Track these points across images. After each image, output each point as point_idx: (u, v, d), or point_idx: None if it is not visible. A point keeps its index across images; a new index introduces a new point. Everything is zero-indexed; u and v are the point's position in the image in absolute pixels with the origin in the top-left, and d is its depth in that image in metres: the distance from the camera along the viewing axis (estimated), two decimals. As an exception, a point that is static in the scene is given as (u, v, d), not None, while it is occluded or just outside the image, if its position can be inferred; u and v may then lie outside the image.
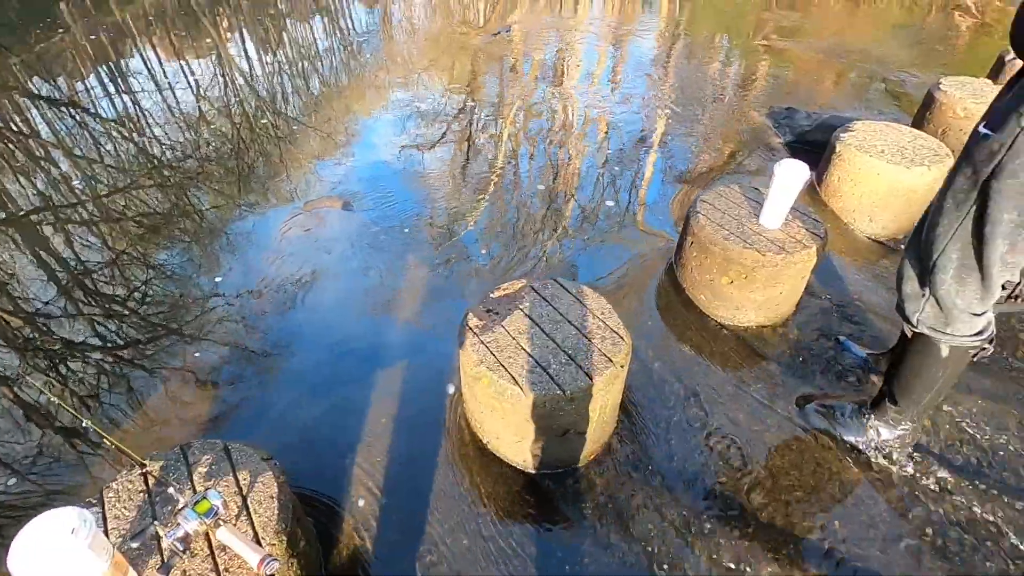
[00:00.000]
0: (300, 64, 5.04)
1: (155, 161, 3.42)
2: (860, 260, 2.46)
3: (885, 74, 4.35)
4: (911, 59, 4.65)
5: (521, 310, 1.65)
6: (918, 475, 1.68)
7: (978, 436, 1.78)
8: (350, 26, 5.99)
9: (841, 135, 2.57)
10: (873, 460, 1.71)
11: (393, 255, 2.57)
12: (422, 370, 2.00)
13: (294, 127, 3.80)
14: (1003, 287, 1.63)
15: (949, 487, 1.65)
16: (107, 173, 3.31)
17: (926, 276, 1.39)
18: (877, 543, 1.53)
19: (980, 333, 1.42)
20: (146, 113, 4.01)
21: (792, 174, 1.85)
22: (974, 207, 1.25)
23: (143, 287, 2.45)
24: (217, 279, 2.45)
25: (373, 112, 3.96)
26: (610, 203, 2.90)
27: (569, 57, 4.83)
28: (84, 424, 1.10)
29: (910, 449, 1.73)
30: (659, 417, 1.84)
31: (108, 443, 1.10)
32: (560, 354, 1.53)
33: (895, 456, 1.72)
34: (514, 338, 1.57)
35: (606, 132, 3.63)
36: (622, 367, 1.53)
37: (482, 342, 1.56)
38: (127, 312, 2.33)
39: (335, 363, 2.06)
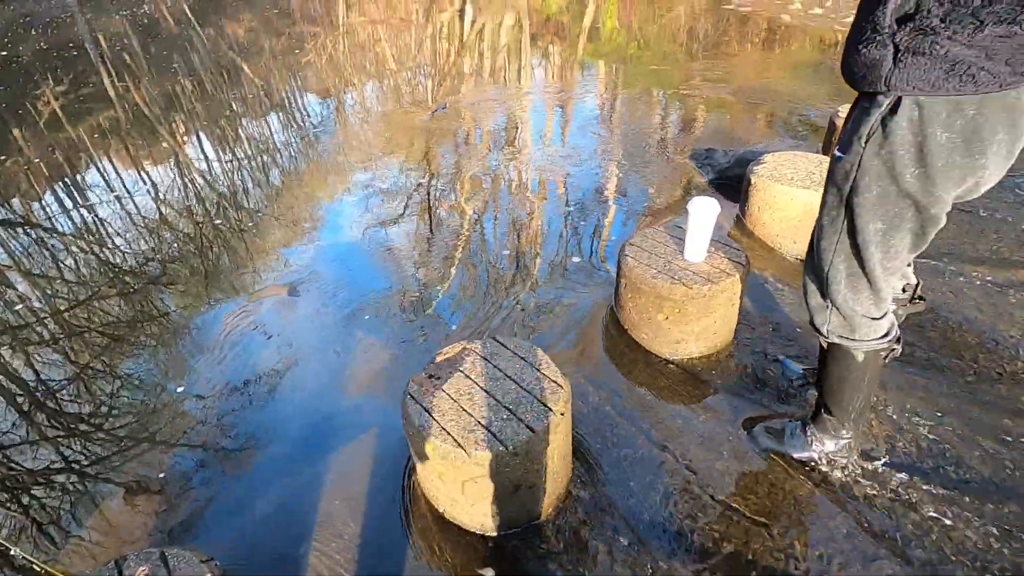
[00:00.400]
0: (259, 158, 5.12)
1: (116, 270, 3.39)
2: (790, 280, 2.53)
3: (798, 109, 4.63)
4: (822, 94, 4.95)
5: (461, 372, 1.65)
6: (868, 482, 1.69)
7: (918, 434, 1.80)
8: (305, 117, 6.15)
9: (754, 168, 2.70)
10: (823, 473, 1.71)
11: (364, 334, 2.56)
12: (387, 446, 1.97)
13: (258, 219, 3.84)
14: (903, 290, 1.71)
15: (898, 490, 1.66)
16: (67, 288, 3.28)
17: (824, 288, 1.46)
18: (837, 556, 1.52)
19: (886, 335, 1.48)
20: (105, 224, 4.01)
21: (704, 210, 1.93)
22: (845, 222, 1.35)
23: (108, 400, 2.39)
24: (179, 388, 2.39)
25: (335, 195, 4.04)
26: (576, 259, 2.96)
27: (519, 123, 5.03)
28: (12, 552, 1.05)
29: (857, 456, 1.74)
30: (614, 460, 1.82)
31: (38, 568, 1.05)
32: (501, 410, 1.53)
33: (844, 466, 1.73)
34: (455, 400, 1.57)
35: (564, 189, 3.76)
36: (563, 415, 1.53)
37: (424, 409, 1.55)
38: (83, 427, 2.27)
39: (294, 452, 2.02)
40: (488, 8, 9.71)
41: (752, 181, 2.66)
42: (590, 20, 8.60)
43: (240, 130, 5.94)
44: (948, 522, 1.56)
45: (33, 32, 9.93)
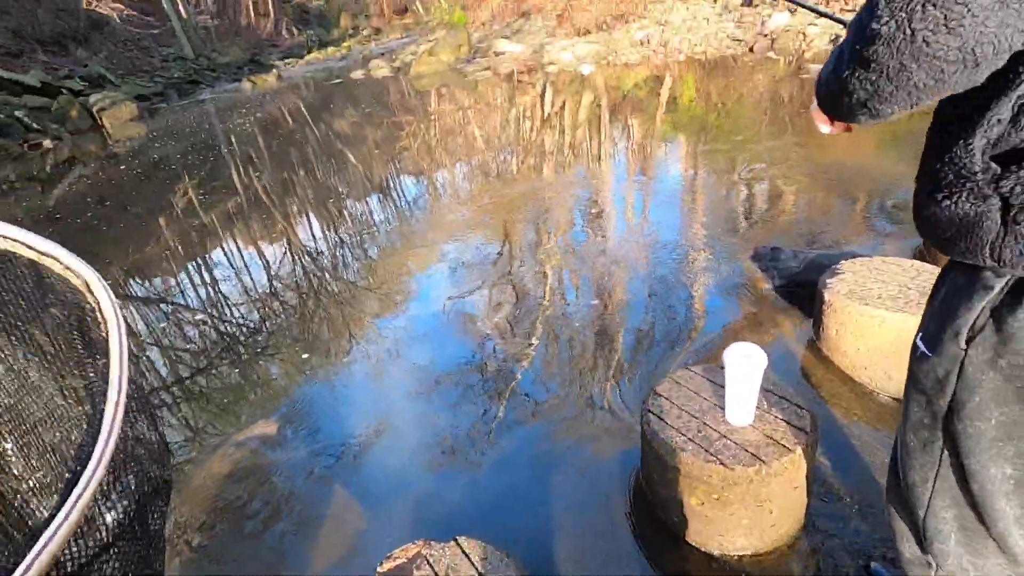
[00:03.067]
0: (359, 235, 5.16)
1: (229, 340, 3.51)
2: (884, 430, 1.80)
3: (892, 192, 3.73)
4: (913, 171, 4.01)
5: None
6: None
7: None
8: (401, 196, 6.20)
9: (827, 280, 2.03)
10: None
11: (445, 405, 2.38)
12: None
13: (355, 291, 3.84)
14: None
15: None
16: (190, 357, 3.39)
17: (922, 540, 0.86)
18: None
19: None
20: (225, 297, 4.15)
21: (744, 366, 1.36)
22: (944, 452, 0.77)
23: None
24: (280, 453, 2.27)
25: (424, 269, 3.96)
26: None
27: (602, 201, 4.67)
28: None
29: None
30: None
31: None
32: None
33: None
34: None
35: (647, 266, 3.33)
36: None
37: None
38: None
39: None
40: (566, 89, 9.50)
41: (826, 298, 1.99)
42: (667, 94, 8.05)
43: (344, 211, 6.05)
44: None
45: (180, 137, 11.14)
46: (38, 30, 18.32)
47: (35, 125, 12.49)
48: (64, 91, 14.40)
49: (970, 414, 0.71)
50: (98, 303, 0.95)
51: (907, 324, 1.80)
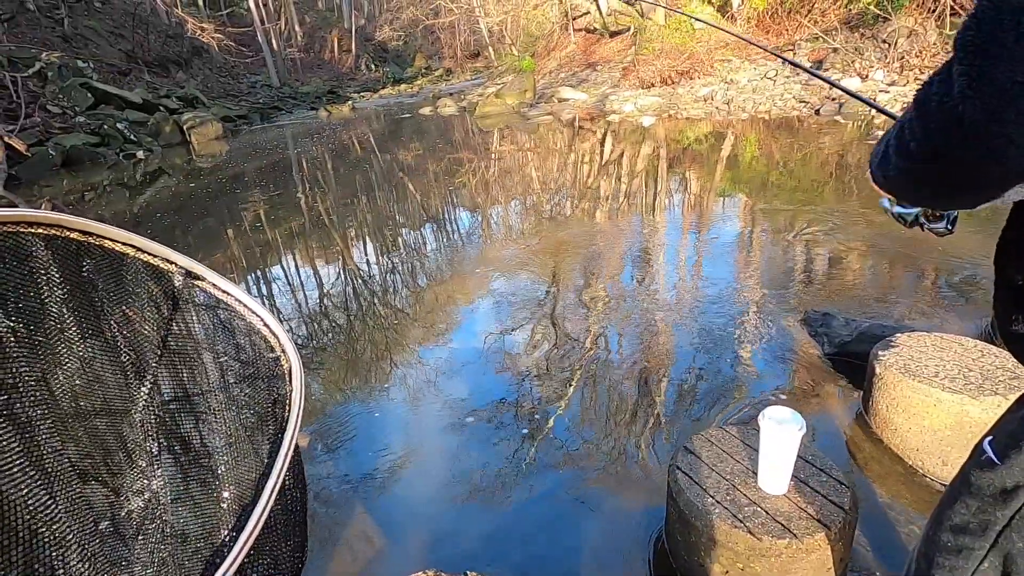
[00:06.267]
0: (411, 263, 5.33)
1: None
2: (935, 520, 1.69)
3: (954, 268, 3.56)
4: (984, 247, 3.83)
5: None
6: None
7: None
8: (455, 229, 6.37)
9: (880, 352, 1.95)
10: None
11: (481, 441, 2.39)
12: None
13: (400, 317, 3.95)
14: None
15: None
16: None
17: None
18: None
19: None
20: (278, 310, 4.37)
21: (781, 427, 1.32)
22: (984, 564, 0.73)
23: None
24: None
25: (470, 302, 4.04)
26: (697, 407, 2.45)
27: (654, 251, 4.68)
28: None
29: None
30: None
31: None
32: None
33: None
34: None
35: (694, 318, 3.29)
36: None
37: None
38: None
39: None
40: (627, 138, 9.66)
41: (877, 371, 1.91)
42: (728, 150, 8.05)
43: (398, 238, 6.28)
44: None
45: (256, 157, 12.00)
46: (147, 53, 20.40)
47: (132, 137, 13.78)
48: (161, 108, 15.88)
49: None
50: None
51: (965, 408, 1.70)
